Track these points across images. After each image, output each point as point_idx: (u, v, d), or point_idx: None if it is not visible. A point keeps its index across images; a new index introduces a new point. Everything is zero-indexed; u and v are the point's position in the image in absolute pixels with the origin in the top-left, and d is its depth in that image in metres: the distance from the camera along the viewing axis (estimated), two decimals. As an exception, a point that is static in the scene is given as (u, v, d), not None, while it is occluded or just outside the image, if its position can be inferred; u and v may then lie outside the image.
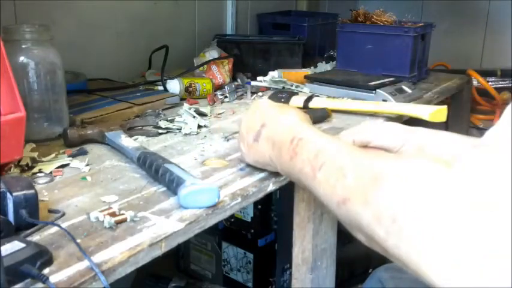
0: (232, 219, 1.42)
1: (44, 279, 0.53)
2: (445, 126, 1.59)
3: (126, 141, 0.91)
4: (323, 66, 1.65)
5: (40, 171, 0.82)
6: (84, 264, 0.56)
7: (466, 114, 1.74)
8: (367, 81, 1.36)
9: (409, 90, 1.35)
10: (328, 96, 1.34)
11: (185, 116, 1.10)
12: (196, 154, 0.93)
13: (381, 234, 0.47)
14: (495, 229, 0.38)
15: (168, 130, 1.05)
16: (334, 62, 1.64)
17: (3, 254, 0.51)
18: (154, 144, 0.97)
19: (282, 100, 1.22)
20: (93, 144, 0.96)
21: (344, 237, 0.93)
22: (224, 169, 0.85)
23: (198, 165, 0.87)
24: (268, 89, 1.43)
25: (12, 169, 0.82)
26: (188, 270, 1.59)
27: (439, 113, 1.11)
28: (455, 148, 0.75)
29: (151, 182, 0.79)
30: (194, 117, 1.10)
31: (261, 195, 0.80)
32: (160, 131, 1.04)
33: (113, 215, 0.66)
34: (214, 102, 1.30)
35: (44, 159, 0.87)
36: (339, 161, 0.58)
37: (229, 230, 1.44)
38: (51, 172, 0.82)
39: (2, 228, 0.60)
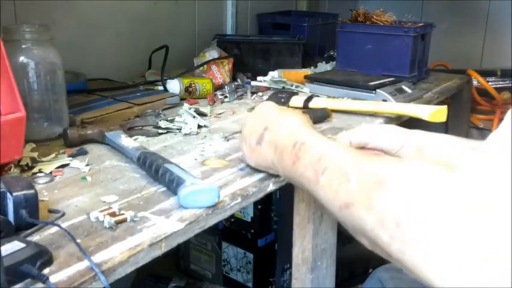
0: (232, 219, 1.42)
1: (44, 279, 0.53)
2: (445, 126, 1.59)
3: (126, 141, 0.91)
4: (323, 66, 1.65)
5: (40, 171, 0.83)
6: (84, 264, 0.56)
7: (466, 114, 1.74)
8: (367, 81, 1.36)
9: (409, 90, 1.35)
10: (328, 96, 1.34)
11: (185, 116, 1.10)
12: (196, 154, 0.93)
13: (385, 239, 0.47)
14: (495, 231, 0.38)
15: (168, 130, 1.05)
16: (334, 62, 1.64)
17: (3, 254, 0.51)
18: (154, 144, 0.97)
19: (282, 100, 1.22)
20: (93, 144, 0.96)
21: (344, 237, 0.93)
22: (224, 169, 0.85)
23: (198, 165, 0.87)
24: (268, 89, 1.43)
25: (12, 169, 0.82)
26: (188, 270, 1.59)
27: (439, 113, 1.11)
28: (454, 150, 0.75)
29: (151, 182, 0.79)
30: (194, 117, 1.10)
31: (261, 195, 0.80)
32: (160, 131, 1.04)
33: (113, 215, 0.66)
34: (214, 102, 1.30)
35: (44, 159, 0.87)
36: (342, 165, 0.58)
37: (229, 230, 1.44)
38: (51, 172, 0.82)
39: (2, 228, 0.60)
